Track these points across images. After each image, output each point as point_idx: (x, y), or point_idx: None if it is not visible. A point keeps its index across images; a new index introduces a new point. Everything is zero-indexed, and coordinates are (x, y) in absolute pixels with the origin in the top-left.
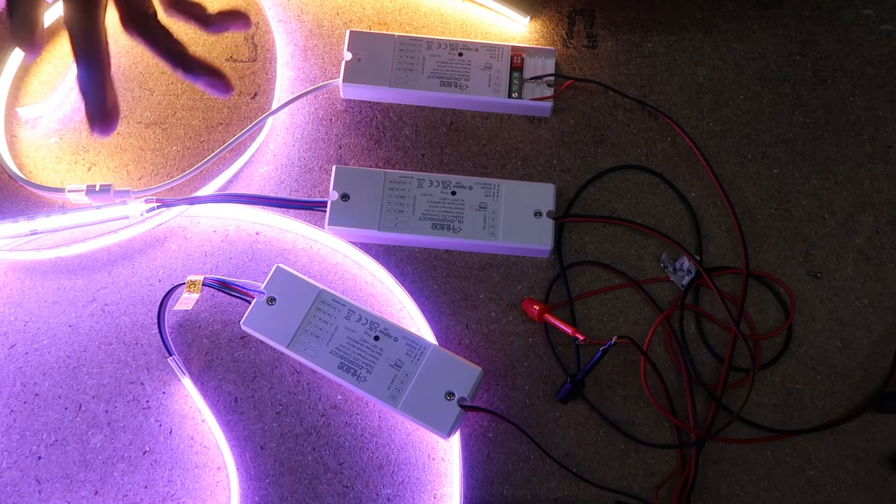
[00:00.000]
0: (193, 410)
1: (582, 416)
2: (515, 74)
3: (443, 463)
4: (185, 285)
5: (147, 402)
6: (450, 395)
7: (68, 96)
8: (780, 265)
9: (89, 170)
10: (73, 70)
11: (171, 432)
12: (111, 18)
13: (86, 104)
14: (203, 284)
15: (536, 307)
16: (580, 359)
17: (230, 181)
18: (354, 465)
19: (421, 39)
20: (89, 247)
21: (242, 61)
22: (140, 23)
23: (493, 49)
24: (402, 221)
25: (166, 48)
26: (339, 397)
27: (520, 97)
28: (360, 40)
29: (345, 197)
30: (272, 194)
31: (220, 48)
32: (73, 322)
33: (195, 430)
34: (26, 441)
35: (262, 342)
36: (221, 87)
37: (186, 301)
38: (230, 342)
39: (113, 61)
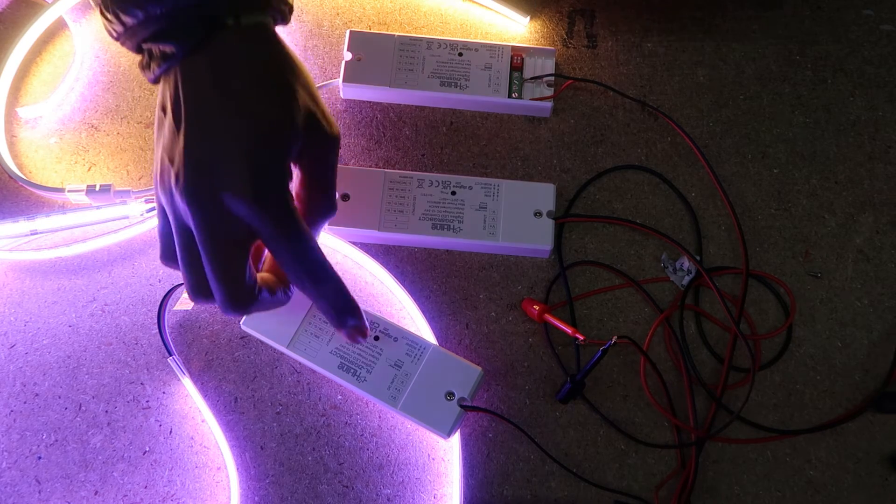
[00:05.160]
0: (193, 410)
1: (582, 416)
2: (515, 74)
3: (443, 463)
4: None
5: (147, 402)
6: (450, 395)
7: (68, 96)
8: (780, 265)
9: (89, 170)
10: (73, 71)
11: (171, 432)
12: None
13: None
14: None
15: (536, 307)
16: (580, 359)
17: None
18: (354, 465)
19: (421, 39)
20: (89, 247)
21: None
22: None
23: (493, 49)
24: (402, 221)
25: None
26: (339, 397)
27: (520, 97)
28: (360, 40)
29: (345, 197)
30: None
31: None
32: (73, 322)
33: (195, 430)
34: (26, 441)
35: (262, 342)
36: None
37: (186, 301)
38: (230, 342)
39: (113, 61)
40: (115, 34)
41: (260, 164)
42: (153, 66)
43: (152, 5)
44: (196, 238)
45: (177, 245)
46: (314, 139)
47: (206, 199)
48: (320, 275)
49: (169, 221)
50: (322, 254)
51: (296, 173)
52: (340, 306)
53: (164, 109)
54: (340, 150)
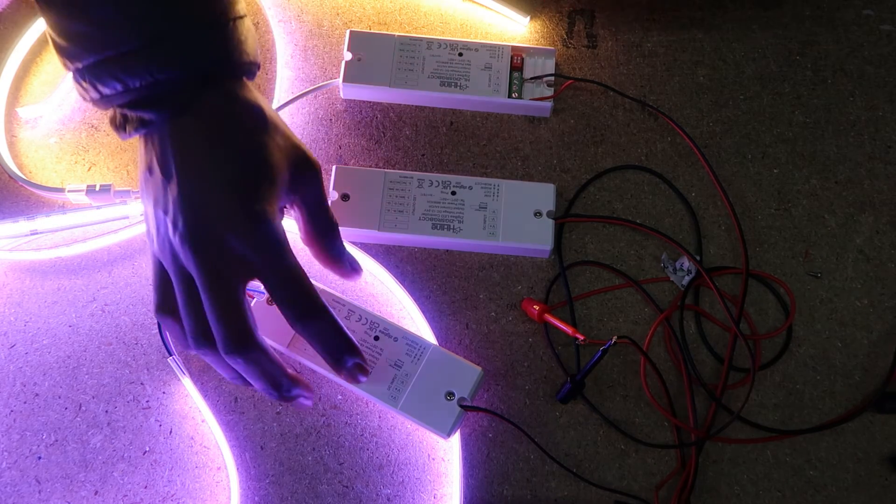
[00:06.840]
0: (193, 410)
1: (582, 416)
2: (515, 74)
3: (443, 463)
4: None
5: (147, 402)
6: (450, 395)
7: (68, 96)
8: (780, 265)
9: (89, 170)
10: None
11: (171, 432)
12: None
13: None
14: None
15: (536, 307)
16: (580, 359)
17: None
18: (354, 465)
19: (421, 39)
20: (89, 247)
21: None
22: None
23: (493, 49)
24: (402, 221)
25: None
26: (339, 397)
27: (520, 97)
28: (360, 40)
29: (345, 197)
30: None
31: None
32: (73, 322)
33: (195, 430)
34: (26, 441)
35: None
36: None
37: None
38: None
39: None
40: (88, 99)
41: (254, 202)
42: (129, 128)
43: (131, 79)
44: (198, 282)
45: (178, 294)
46: (299, 171)
47: (208, 242)
48: (311, 308)
49: (165, 273)
50: (313, 289)
51: (295, 213)
52: (335, 344)
53: (150, 169)
54: (340, 151)
